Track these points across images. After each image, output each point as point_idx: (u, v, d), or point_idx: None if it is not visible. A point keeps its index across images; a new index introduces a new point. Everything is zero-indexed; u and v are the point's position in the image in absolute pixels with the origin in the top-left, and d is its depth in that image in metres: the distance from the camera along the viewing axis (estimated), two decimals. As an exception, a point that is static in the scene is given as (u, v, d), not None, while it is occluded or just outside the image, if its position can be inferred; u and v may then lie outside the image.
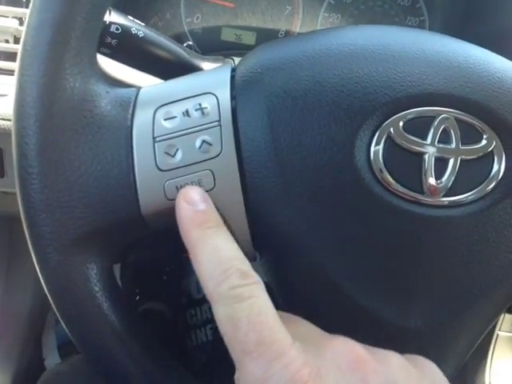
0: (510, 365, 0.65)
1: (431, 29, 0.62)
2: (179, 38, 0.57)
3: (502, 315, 0.62)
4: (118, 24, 0.34)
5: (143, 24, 0.36)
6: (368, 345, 0.26)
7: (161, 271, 0.96)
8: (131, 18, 0.36)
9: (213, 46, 0.58)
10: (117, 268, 1.01)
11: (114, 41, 0.34)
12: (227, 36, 0.59)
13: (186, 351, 0.98)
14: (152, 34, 0.36)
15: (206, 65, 0.37)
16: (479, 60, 0.27)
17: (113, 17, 0.35)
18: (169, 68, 0.36)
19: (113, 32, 0.34)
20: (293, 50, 0.27)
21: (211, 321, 1.03)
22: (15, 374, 0.83)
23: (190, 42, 0.56)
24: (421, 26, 0.62)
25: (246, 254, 0.28)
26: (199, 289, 1.06)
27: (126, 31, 0.35)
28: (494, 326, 0.63)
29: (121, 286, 0.89)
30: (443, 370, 0.29)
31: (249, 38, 0.59)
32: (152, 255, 0.95)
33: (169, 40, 0.37)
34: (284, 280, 0.27)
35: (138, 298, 0.93)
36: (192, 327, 1.03)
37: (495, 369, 0.65)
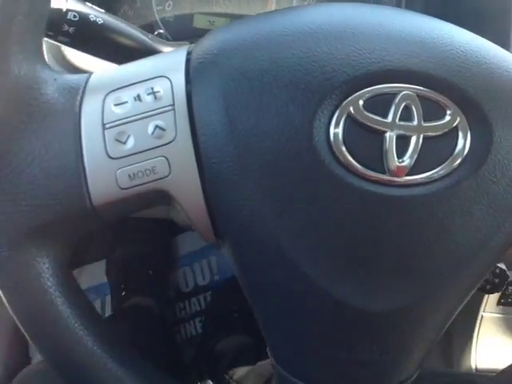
0: (495, 345, 0.65)
1: (408, 8, 0.61)
2: (151, 27, 0.56)
3: (486, 296, 0.62)
4: (76, 11, 0.33)
5: (103, 11, 0.35)
6: (332, 330, 0.26)
7: (147, 266, 0.95)
8: (90, 4, 0.35)
9: (185, 33, 0.57)
10: (103, 264, 1.00)
11: (71, 29, 0.33)
12: (200, 23, 0.57)
13: (175, 345, 0.98)
14: (112, 21, 0.35)
15: (169, 50, 0.36)
16: (443, 34, 0.26)
17: (70, 4, 0.33)
18: (130, 55, 0.35)
19: (70, 19, 0.33)
20: (250, 31, 0.26)
21: (200, 314, 1.02)
22: (2, 374, 0.82)
23: (161, 31, 0.55)
24: (398, 5, 0.61)
25: (208, 241, 0.27)
26: (187, 282, 1.05)
27: (83, 18, 0.34)
28: (479, 308, 0.63)
29: (108, 282, 0.88)
30: (412, 355, 0.28)
31: (222, 25, 0.58)
32: (137, 250, 0.95)
33: (130, 26, 0.36)
34: (246, 265, 0.27)
35: (123, 293, 0.92)
36: (181, 321, 1.03)
37: (481, 350, 0.65)
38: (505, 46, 0.49)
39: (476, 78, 0.25)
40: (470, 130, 0.25)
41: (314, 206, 0.25)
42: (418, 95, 0.25)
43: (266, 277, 0.26)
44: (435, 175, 0.25)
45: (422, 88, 0.25)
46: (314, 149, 0.24)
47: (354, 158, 0.25)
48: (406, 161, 0.25)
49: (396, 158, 0.25)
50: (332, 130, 0.24)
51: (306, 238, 0.25)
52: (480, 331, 0.64)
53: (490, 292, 0.36)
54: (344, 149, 0.24)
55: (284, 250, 0.25)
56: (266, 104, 0.24)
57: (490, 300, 0.62)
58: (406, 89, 0.25)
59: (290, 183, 0.24)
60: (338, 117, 0.24)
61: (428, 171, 0.25)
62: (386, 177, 0.25)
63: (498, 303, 0.63)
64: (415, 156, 0.25)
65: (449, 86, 0.25)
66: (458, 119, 0.25)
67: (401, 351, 0.28)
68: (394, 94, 0.25)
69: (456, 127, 0.25)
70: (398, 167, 0.25)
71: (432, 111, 0.25)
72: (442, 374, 0.56)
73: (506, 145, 0.26)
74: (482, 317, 0.63)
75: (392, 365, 0.28)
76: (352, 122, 0.25)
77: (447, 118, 0.25)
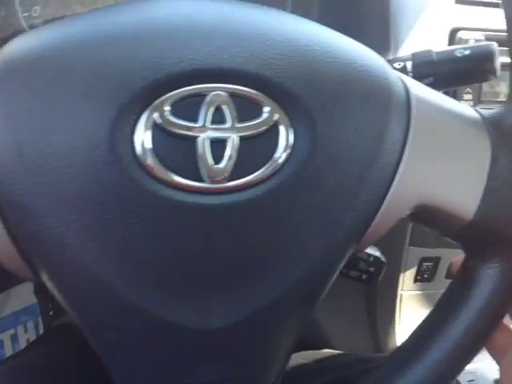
0: (417, 322, 0.66)
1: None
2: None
3: (402, 275, 0.63)
4: None
5: None
6: (171, 355, 0.24)
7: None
8: None
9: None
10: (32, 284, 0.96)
11: None
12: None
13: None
14: None
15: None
16: (259, 25, 0.24)
17: None
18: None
19: None
20: (45, 37, 0.24)
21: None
22: None
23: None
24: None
25: (26, 279, 0.25)
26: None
27: None
28: (396, 288, 0.63)
29: (37, 302, 0.83)
30: (269, 363, 0.27)
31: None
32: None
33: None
34: (69, 297, 0.24)
35: (51, 312, 0.88)
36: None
37: (404, 328, 0.66)
38: (385, 46, 0.48)
39: (293, 69, 0.24)
40: (292, 126, 0.24)
41: (129, 226, 0.23)
42: (230, 94, 0.23)
43: (89, 308, 0.24)
44: (259, 177, 0.23)
45: (233, 86, 0.23)
46: (118, 163, 0.22)
47: (167, 168, 0.23)
48: (225, 166, 0.23)
49: (213, 164, 0.23)
50: (137, 140, 0.22)
51: (124, 262, 0.23)
52: (401, 310, 0.64)
53: (368, 282, 0.35)
54: (154, 160, 0.22)
55: (101, 276, 0.23)
56: (57, 118, 0.22)
57: (407, 278, 0.63)
58: (216, 89, 0.23)
59: (96, 204, 0.22)
60: (142, 126, 0.22)
61: (250, 174, 0.23)
62: (204, 185, 0.23)
63: (415, 280, 0.63)
64: (234, 160, 0.23)
65: (262, 82, 0.23)
66: (277, 116, 0.24)
67: (254, 362, 0.26)
68: (204, 96, 0.23)
69: (275, 124, 0.24)
70: (216, 174, 0.23)
71: (247, 110, 0.23)
72: (362, 360, 0.55)
73: (332, 138, 0.24)
74: (401, 296, 0.63)
75: (247, 378, 0.27)
76: (159, 130, 0.22)
77: (264, 115, 0.23)
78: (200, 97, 0.23)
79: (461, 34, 0.50)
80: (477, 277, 0.29)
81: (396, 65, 0.36)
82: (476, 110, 0.28)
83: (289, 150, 0.24)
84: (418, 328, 0.31)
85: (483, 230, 0.28)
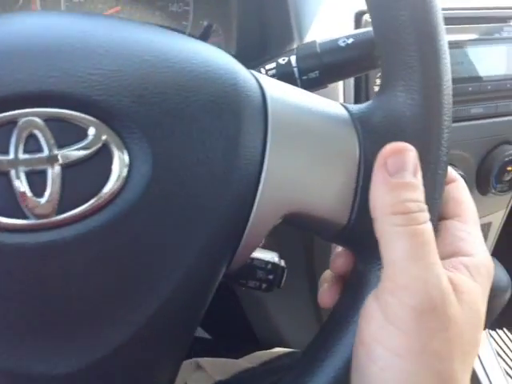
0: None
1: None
2: None
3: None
4: None
5: None
6: None
7: None
8: None
9: None
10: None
11: None
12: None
13: None
14: None
15: None
16: (77, 38, 0.22)
17: None
18: None
19: None
20: None
21: None
22: None
23: None
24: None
25: None
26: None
27: None
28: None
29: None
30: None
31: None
32: None
33: None
34: None
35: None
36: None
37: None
38: (287, 37, 0.46)
39: (118, 84, 0.21)
40: (126, 147, 0.22)
41: None
42: (45, 119, 0.21)
43: None
44: (93, 206, 0.21)
45: (47, 110, 0.21)
46: None
47: None
48: (48, 199, 0.21)
49: (34, 198, 0.21)
50: None
51: None
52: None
53: (269, 290, 0.33)
54: None
55: None
56: None
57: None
58: (26, 114, 0.20)
59: None
60: None
61: (83, 204, 0.21)
62: (29, 222, 0.21)
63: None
64: (58, 190, 0.21)
65: (80, 101, 0.21)
66: (105, 137, 0.21)
67: None
68: (13, 124, 0.20)
69: (105, 146, 0.21)
70: (39, 209, 0.21)
71: (69, 134, 0.21)
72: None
73: (175, 155, 0.22)
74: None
75: None
76: None
77: (90, 137, 0.21)
78: (9, 125, 0.20)
79: (366, 17, 0.48)
80: (367, 280, 0.28)
81: (281, 60, 0.34)
82: (344, 106, 0.27)
83: (125, 172, 0.22)
84: (315, 337, 0.30)
85: (361, 233, 0.26)
